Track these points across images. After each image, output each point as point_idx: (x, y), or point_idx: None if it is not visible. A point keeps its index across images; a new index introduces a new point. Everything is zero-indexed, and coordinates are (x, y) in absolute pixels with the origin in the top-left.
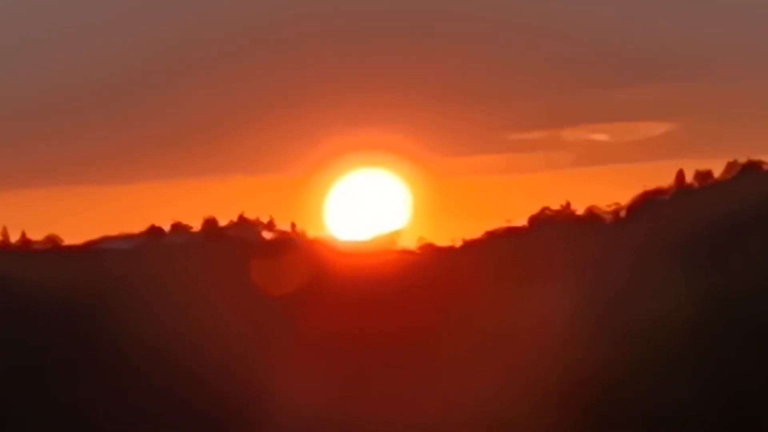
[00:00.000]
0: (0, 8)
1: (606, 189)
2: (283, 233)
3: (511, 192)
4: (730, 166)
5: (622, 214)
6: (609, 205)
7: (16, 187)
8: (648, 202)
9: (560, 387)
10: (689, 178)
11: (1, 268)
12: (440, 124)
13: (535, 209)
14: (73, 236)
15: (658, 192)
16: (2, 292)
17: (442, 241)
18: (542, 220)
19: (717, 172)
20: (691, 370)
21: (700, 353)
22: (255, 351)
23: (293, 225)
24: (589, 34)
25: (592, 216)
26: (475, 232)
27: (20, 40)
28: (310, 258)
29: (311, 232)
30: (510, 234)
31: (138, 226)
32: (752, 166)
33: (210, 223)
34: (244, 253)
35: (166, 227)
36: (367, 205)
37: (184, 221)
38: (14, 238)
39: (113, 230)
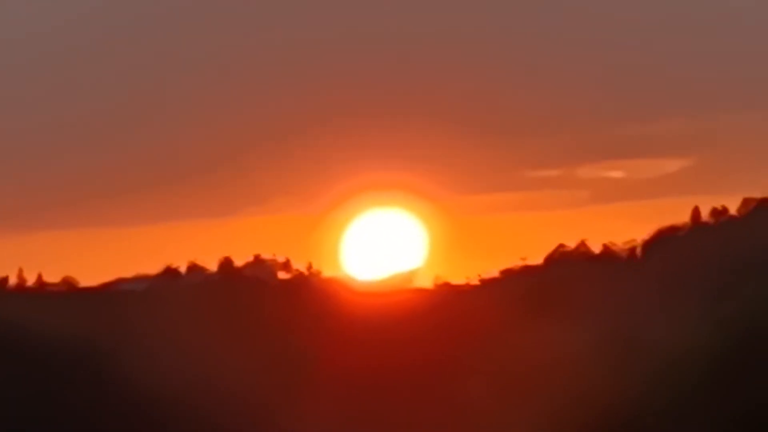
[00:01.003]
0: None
1: (622, 226)
2: (299, 273)
3: (526, 230)
4: (746, 202)
5: (638, 251)
6: (625, 243)
7: (32, 230)
8: (664, 240)
9: (578, 425)
10: (705, 214)
11: (18, 310)
12: (456, 163)
13: (551, 247)
14: (88, 278)
15: (673, 229)
16: (19, 335)
17: (459, 279)
18: (558, 258)
19: (732, 208)
20: (710, 406)
21: (718, 390)
22: (271, 391)
23: (309, 265)
24: (604, 70)
25: (608, 253)
26: (491, 270)
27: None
28: (326, 298)
29: (327, 272)
30: (526, 272)
31: (154, 268)
32: (767, 202)
33: (226, 264)
34: (260, 293)
35: (182, 268)
36: (383, 244)
37: (200, 262)
38: (30, 280)
39: (129, 272)
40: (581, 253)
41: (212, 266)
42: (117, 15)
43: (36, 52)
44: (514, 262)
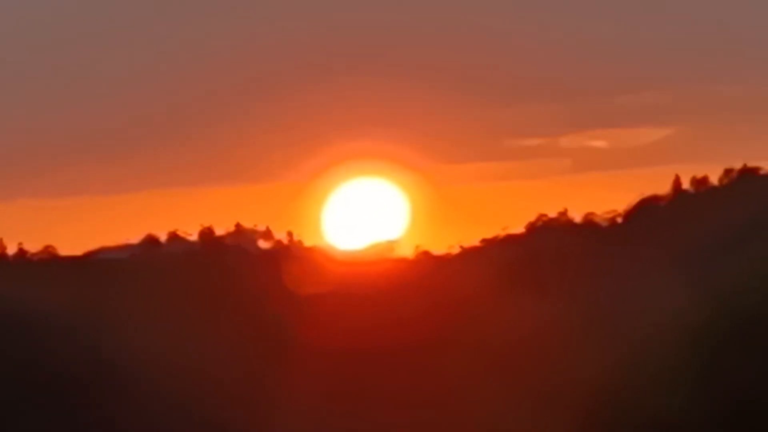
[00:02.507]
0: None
1: (604, 195)
2: (280, 242)
3: (508, 199)
4: (727, 171)
5: (619, 220)
6: (606, 212)
7: (12, 198)
8: (645, 209)
9: (559, 394)
10: (686, 183)
11: None
12: (437, 132)
13: (532, 216)
14: (70, 247)
15: (655, 198)
16: None
17: (440, 248)
18: (539, 227)
19: (714, 178)
20: (692, 376)
21: (700, 360)
22: (253, 360)
23: (290, 234)
24: (586, 40)
25: (590, 222)
26: (473, 239)
27: (19, 44)
28: (307, 267)
29: (309, 241)
30: (507, 241)
31: (135, 236)
32: (749, 172)
33: (207, 233)
34: (242, 262)
35: (163, 237)
36: (364, 213)
37: (181, 231)
38: (11, 249)
39: (110, 240)
40: (563, 222)
41: (193, 235)
42: None
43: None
44: (495, 231)
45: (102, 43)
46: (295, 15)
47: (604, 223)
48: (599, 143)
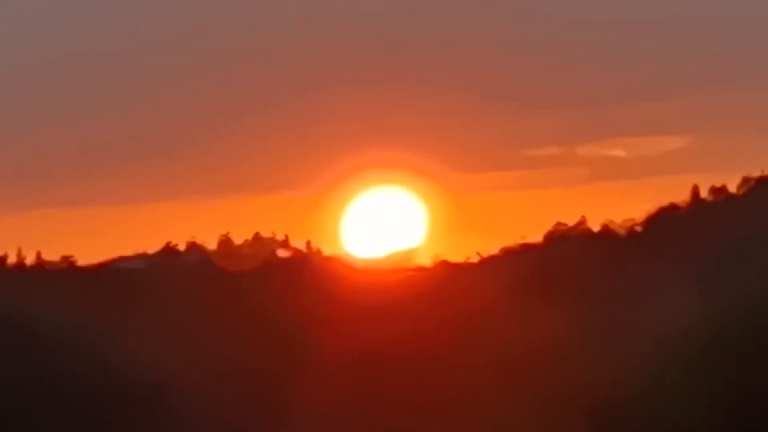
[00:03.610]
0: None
1: (622, 204)
2: (299, 251)
3: (526, 208)
4: (745, 180)
5: (638, 229)
6: (624, 221)
7: (31, 208)
8: (663, 217)
9: (576, 402)
10: (704, 192)
11: (17, 289)
12: (455, 141)
13: (550, 225)
14: (88, 256)
15: (673, 207)
16: (17, 314)
17: (458, 257)
18: (557, 236)
19: (732, 187)
20: (706, 385)
21: (715, 368)
22: (271, 370)
23: (308, 243)
24: (604, 48)
25: (608, 231)
26: (491, 248)
27: (35, 55)
28: (325, 276)
29: (327, 250)
30: (525, 250)
31: (153, 246)
32: (766, 180)
33: (225, 242)
34: (260, 271)
35: (182, 246)
36: (382, 222)
37: (200, 240)
38: (29, 259)
39: (128, 250)
40: (581, 231)
41: (212, 245)
42: None
43: (26, 25)
44: (513, 240)
45: (118, 54)
46: (312, 24)
47: (623, 232)
48: (617, 152)
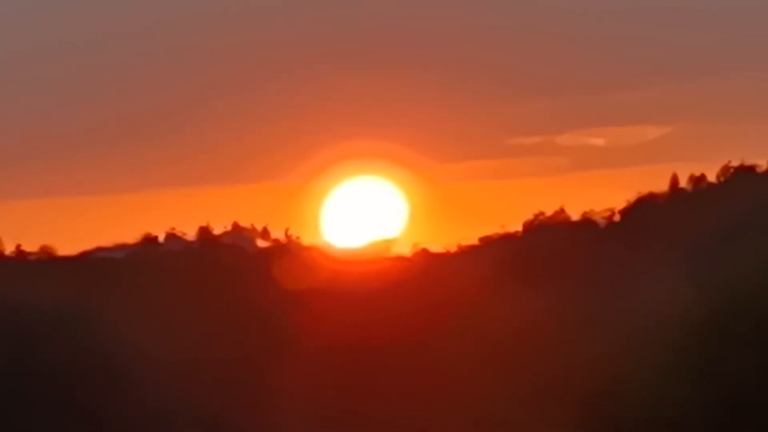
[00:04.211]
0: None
1: (601, 193)
2: (278, 241)
3: (506, 197)
4: (724, 169)
5: (617, 218)
6: (604, 210)
7: (10, 198)
8: (642, 207)
9: (558, 391)
10: (684, 182)
11: None
12: (435, 130)
13: (530, 214)
14: (67, 246)
15: (652, 196)
16: None
17: (438, 246)
18: (537, 225)
19: (711, 176)
20: (691, 373)
21: (699, 357)
22: (251, 359)
23: (288, 232)
24: (584, 37)
25: (587, 221)
26: (471, 237)
27: (16, 46)
28: (305, 265)
29: (307, 240)
30: (505, 239)
31: (132, 236)
32: (746, 169)
33: (204, 232)
34: (239, 261)
35: (161, 236)
36: (362, 211)
37: (179, 230)
38: (9, 249)
39: (108, 240)
40: (560, 221)
41: (191, 234)
42: None
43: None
44: (493, 229)
45: (98, 44)
46: (292, 14)
47: (602, 221)
48: (597, 141)
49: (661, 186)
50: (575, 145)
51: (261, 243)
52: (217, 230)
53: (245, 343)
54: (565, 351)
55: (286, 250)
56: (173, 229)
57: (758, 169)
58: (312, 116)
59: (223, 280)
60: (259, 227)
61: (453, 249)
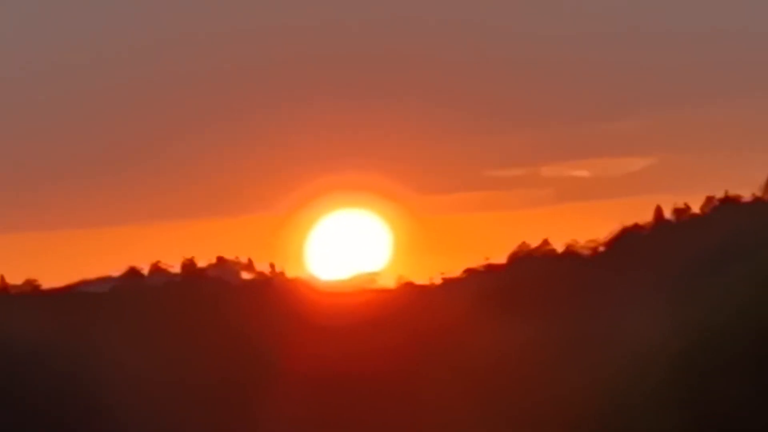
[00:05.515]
0: None
1: (586, 225)
2: (263, 273)
3: (490, 229)
4: (708, 200)
5: (601, 249)
6: (588, 241)
7: None
8: (627, 238)
9: (541, 420)
10: (668, 213)
11: None
12: (419, 163)
13: (514, 246)
14: (52, 280)
15: (636, 227)
16: None
17: (422, 279)
18: (521, 257)
19: (695, 207)
20: (673, 401)
21: (681, 385)
22: (235, 391)
23: (272, 265)
24: (568, 69)
25: (571, 252)
26: (455, 269)
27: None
28: (289, 298)
29: (291, 272)
30: (489, 271)
31: (117, 269)
32: (730, 200)
33: (189, 265)
34: (223, 294)
35: (145, 269)
36: (346, 244)
37: (163, 264)
38: None
39: (92, 273)
40: (545, 252)
41: (175, 267)
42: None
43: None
44: (477, 261)
45: (83, 76)
46: (278, 49)
47: (586, 253)
48: (581, 173)
49: (646, 217)
50: (559, 177)
51: (245, 275)
52: (202, 263)
53: (229, 375)
54: (549, 382)
55: (271, 283)
56: (158, 262)
57: (742, 200)
58: (296, 149)
59: (207, 313)
60: (243, 260)
61: (437, 281)
